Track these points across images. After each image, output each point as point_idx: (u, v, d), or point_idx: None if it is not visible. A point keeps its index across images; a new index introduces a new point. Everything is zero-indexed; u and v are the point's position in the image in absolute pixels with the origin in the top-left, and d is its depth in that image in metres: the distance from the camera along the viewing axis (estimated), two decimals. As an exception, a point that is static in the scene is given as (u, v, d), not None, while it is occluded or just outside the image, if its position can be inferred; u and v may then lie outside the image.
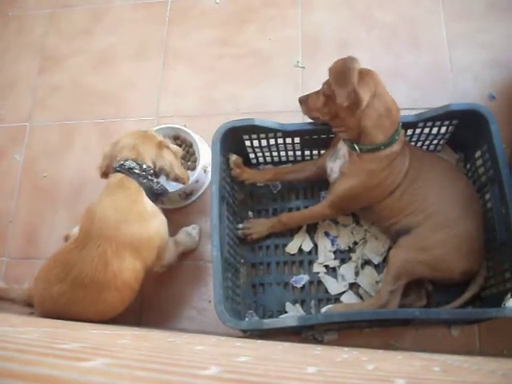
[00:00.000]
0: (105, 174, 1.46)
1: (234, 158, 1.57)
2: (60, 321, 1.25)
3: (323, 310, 1.48)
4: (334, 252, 1.59)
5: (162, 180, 1.48)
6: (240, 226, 1.61)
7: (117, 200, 1.34)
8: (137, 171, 1.36)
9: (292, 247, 1.61)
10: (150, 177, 1.39)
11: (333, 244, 1.60)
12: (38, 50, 2.15)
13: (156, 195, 1.42)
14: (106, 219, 1.31)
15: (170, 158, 1.46)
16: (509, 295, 1.23)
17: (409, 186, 1.40)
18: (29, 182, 1.90)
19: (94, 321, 1.35)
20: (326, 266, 1.58)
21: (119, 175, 1.37)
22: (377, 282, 1.53)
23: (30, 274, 1.49)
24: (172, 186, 1.59)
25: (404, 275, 1.38)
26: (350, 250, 1.59)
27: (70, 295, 1.31)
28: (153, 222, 1.38)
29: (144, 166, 1.38)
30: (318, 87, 1.40)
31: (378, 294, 1.42)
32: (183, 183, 1.54)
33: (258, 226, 1.61)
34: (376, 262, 1.55)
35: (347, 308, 1.47)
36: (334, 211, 1.51)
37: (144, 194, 1.37)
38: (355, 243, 1.60)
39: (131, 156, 1.39)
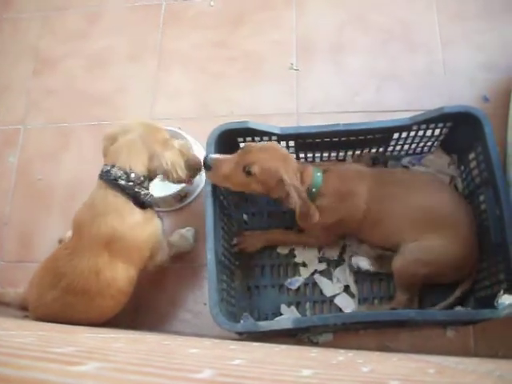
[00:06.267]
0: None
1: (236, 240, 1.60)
2: (54, 324, 1.24)
3: None
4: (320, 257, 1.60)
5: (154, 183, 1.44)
6: (234, 241, 1.60)
7: (104, 211, 1.29)
8: (122, 182, 1.29)
9: (283, 248, 1.62)
10: (136, 188, 1.31)
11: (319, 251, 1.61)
12: (33, 53, 2.14)
13: (143, 204, 1.35)
14: (94, 232, 1.28)
15: (172, 158, 1.38)
16: (501, 292, 1.23)
17: (378, 207, 1.42)
18: (23, 185, 1.90)
19: (89, 324, 1.34)
20: (315, 271, 1.58)
21: (104, 186, 1.31)
22: (371, 283, 1.54)
23: (24, 278, 1.48)
24: (168, 189, 1.59)
25: (413, 284, 1.41)
26: (341, 254, 1.59)
27: (63, 302, 1.31)
28: (144, 229, 1.34)
29: (132, 176, 1.30)
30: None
31: (397, 300, 1.44)
32: (187, 183, 1.52)
33: (253, 239, 1.60)
34: (368, 266, 1.54)
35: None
36: (323, 238, 1.55)
37: (131, 203, 1.31)
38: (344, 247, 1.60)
39: (120, 162, 1.31)
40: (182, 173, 1.40)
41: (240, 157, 1.35)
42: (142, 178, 1.33)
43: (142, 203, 1.34)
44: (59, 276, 1.30)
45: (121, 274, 1.31)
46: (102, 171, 1.33)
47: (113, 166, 1.31)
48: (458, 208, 1.43)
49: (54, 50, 2.14)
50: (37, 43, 2.16)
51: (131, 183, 1.30)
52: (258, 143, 1.44)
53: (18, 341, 0.64)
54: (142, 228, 1.34)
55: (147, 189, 1.36)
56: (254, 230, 1.64)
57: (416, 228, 1.39)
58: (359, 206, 1.41)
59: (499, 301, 1.20)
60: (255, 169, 1.32)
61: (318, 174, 1.42)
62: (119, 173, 1.30)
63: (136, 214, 1.33)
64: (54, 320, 1.30)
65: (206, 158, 1.37)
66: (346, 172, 1.47)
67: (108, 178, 1.30)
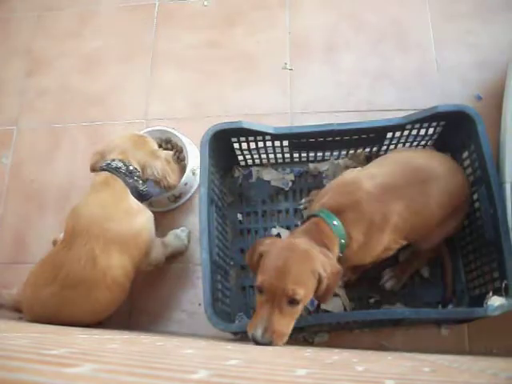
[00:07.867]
0: (93, 169, 1.47)
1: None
2: (49, 326, 1.24)
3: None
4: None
5: (150, 185, 1.48)
6: None
7: (102, 197, 1.36)
8: (123, 171, 1.38)
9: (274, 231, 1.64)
10: (135, 177, 1.41)
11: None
12: (26, 53, 2.13)
13: (141, 196, 1.44)
14: (91, 217, 1.32)
15: (161, 167, 1.47)
16: (490, 293, 1.24)
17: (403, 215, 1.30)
18: (16, 186, 1.89)
19: (86, 322, 1.34)
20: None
21: (104, 173, 1.38)
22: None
23: (18, 279, 1.48)
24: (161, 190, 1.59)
25: None
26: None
27: (60, 297, 1.31)
28: (138, 217, 1.39)
29: (131, 168, 1.40)
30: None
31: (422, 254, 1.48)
32: (172, 189, 1.57)
33: (349, 272, 1.51)
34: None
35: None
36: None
37: (129, 191, 1.39)
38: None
39: (119, 157, 1.41)
40: (171, 180, 1.51)
41: (271, 300, 1.08)
42: (138, 173, 1.43)
43: (139, 194, 1.42)
44: (57, 268, 1.31)
45: (116, 263, 1.32)
46: (101, 166, 1.41)
47: (112, 160, 1.40)
48: (452, 172, 1.38)
49: (48, 51, 2.13)
50: (30, 43, 2.15)
51: (131, 173, 1.40)
52: (264, 259, 1.13)
53: (11, 343, 0.63)
54: (135, 216, 1.38)
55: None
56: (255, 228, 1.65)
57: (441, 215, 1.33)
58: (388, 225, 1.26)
59: (488, 302, 1.21)
60: (300, 295, 1.07)
61: (335, 222, 1.20)
62: (120, 164, 1.40)
63: (131, 201, 1.39)
64: (50, 320, 1.30)
65: (254, 338, 1.08)
66: (360, 204, 1.23)
67: (109, 167, 1.39)
